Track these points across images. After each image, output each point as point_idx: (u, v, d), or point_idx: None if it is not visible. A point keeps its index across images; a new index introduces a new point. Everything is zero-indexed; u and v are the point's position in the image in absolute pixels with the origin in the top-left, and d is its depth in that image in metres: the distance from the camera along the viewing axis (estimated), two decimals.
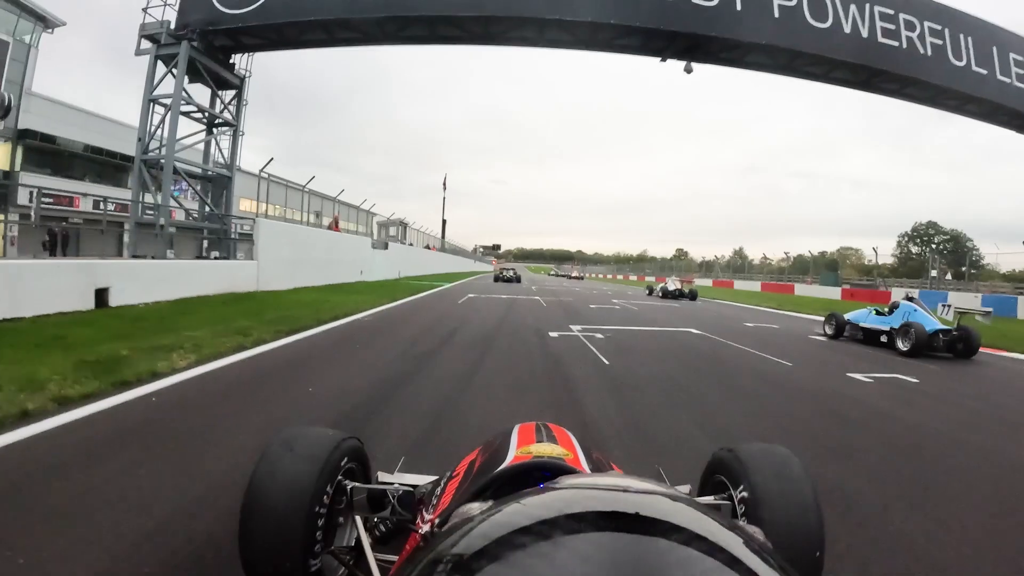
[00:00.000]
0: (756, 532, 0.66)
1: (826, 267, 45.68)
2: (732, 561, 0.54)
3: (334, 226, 26.01)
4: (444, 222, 61.63)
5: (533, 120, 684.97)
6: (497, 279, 32.84)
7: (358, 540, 1.54)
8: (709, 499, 1.58)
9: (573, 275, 67.46)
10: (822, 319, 12.14)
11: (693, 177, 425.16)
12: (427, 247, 49.25)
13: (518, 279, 33.77)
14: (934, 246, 55.94)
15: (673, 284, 24.83)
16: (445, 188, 61.26)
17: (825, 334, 11.38)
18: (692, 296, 24.06)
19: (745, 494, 1.47)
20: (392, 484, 1.73)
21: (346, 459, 1.63)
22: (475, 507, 0.66)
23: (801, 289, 35.91)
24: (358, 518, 1.57)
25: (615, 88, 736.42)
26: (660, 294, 24.40)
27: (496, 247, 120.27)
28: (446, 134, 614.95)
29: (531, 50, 15.43)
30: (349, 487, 1.61)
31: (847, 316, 11.12)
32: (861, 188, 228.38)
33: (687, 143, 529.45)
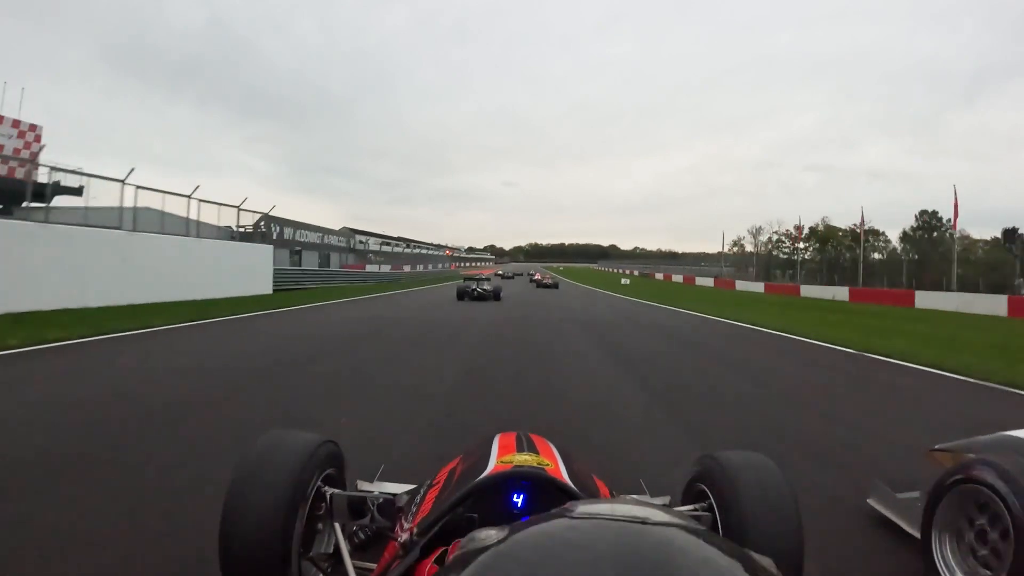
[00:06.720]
0: (769, 564, 0.65)
1: None
2: None
3: None
4: None
5: (542, 120, 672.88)
6: (462, 295, 20.99)
7: (336, 547, 1.53)
8: (689, 508, 1.59)
9: (535, 277, 44.35)
10: None
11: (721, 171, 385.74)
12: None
13: (496, 295, 21.55)
14: None
15: None
16: None
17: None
18: None
19: (725, 503, 1.48)
20: (372, 492, 1.73)
21: (325, 464, 1.61)
22: (492, 534, 0.64)
23: None
24: (337, 525, 1.56)
25: (625, 84, 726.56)
26: None
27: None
28: (454, 137, 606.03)
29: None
30: (329, 494, 1.59)
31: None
32: None
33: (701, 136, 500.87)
